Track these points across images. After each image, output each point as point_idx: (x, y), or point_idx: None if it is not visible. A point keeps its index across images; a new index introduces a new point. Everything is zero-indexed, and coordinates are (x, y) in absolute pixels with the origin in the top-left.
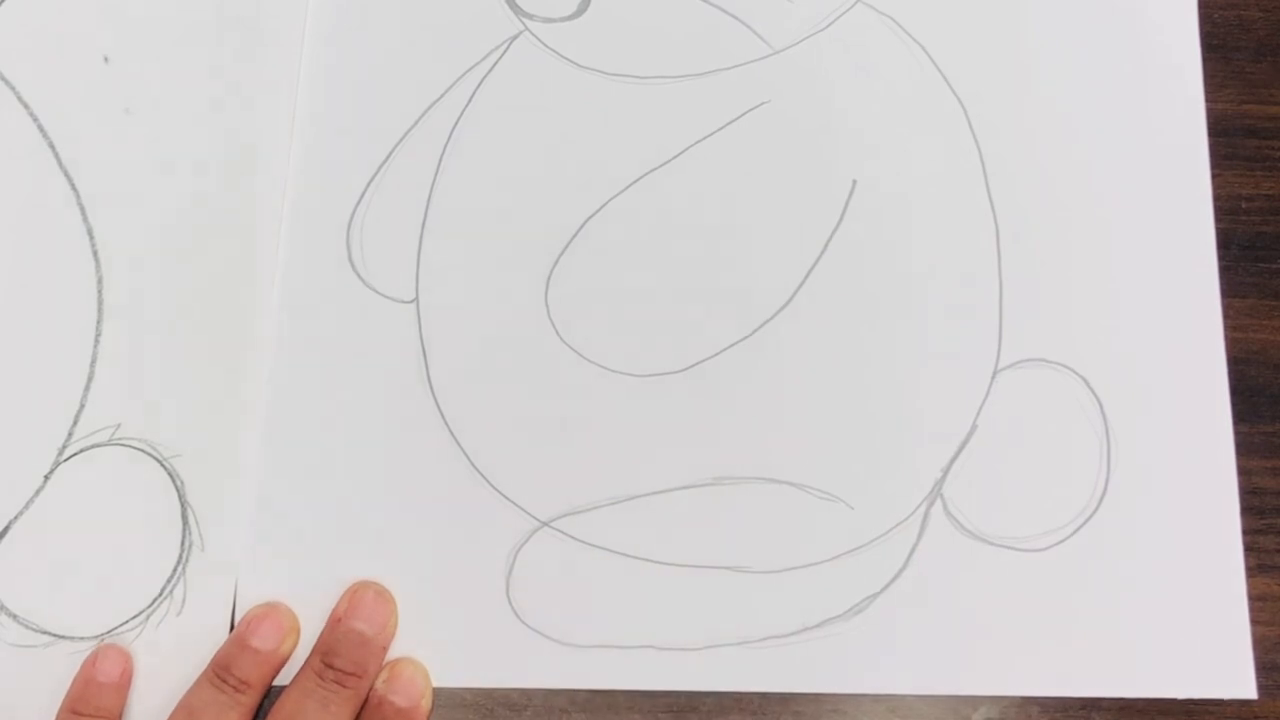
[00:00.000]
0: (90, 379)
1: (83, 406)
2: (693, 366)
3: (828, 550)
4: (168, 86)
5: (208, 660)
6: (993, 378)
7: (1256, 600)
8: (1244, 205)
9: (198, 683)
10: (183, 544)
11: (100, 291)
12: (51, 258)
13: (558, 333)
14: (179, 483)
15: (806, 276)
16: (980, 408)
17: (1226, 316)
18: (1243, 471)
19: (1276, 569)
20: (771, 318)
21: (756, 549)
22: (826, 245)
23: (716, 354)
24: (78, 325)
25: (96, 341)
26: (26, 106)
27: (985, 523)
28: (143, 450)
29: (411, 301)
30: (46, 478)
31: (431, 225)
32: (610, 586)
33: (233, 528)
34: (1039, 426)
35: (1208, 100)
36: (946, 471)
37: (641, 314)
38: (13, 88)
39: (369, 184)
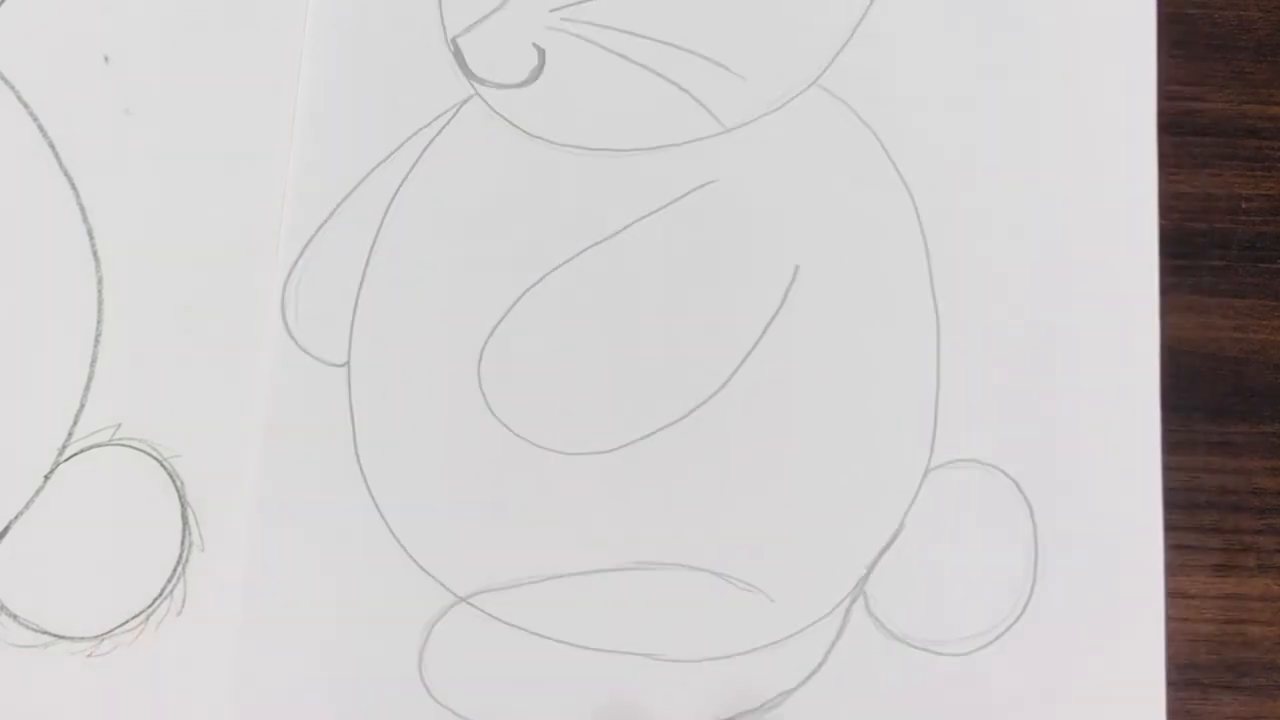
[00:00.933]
0: (90, 379)
1: (83, 406)
2: (622, 447)
3: (745, 643)
4: (168, 86)
5: (208, 660)
6: (924, 476)
7: (1257, 600)
8: (1244, 205)
9: None
10: (183, 544)
11: (100, 291)
12: (51, 258)
13: (489, 405)
14: (179, 483)
15: (742, 362)
16: (909, 506)
17: (1227, 317)
18: (1243, 471)
19: (1276, 569)
20: (704, 402)
21: (672, 636)
22: (764, 331)
23: (646, 435)
24: (78, 325)
25: (96, 341)
26: (26, 106)
27: (907, 624)
28: (143, 450)
29: (343, 365)
30: (46, 478)
31: (368, 288)
32: (524, 666)
33: (233, 528)
34: (967, 529)
35: (1207, 98)
36: (871, 569)
37: (574, 391)
38: (13, 87)
39: (308, 243)
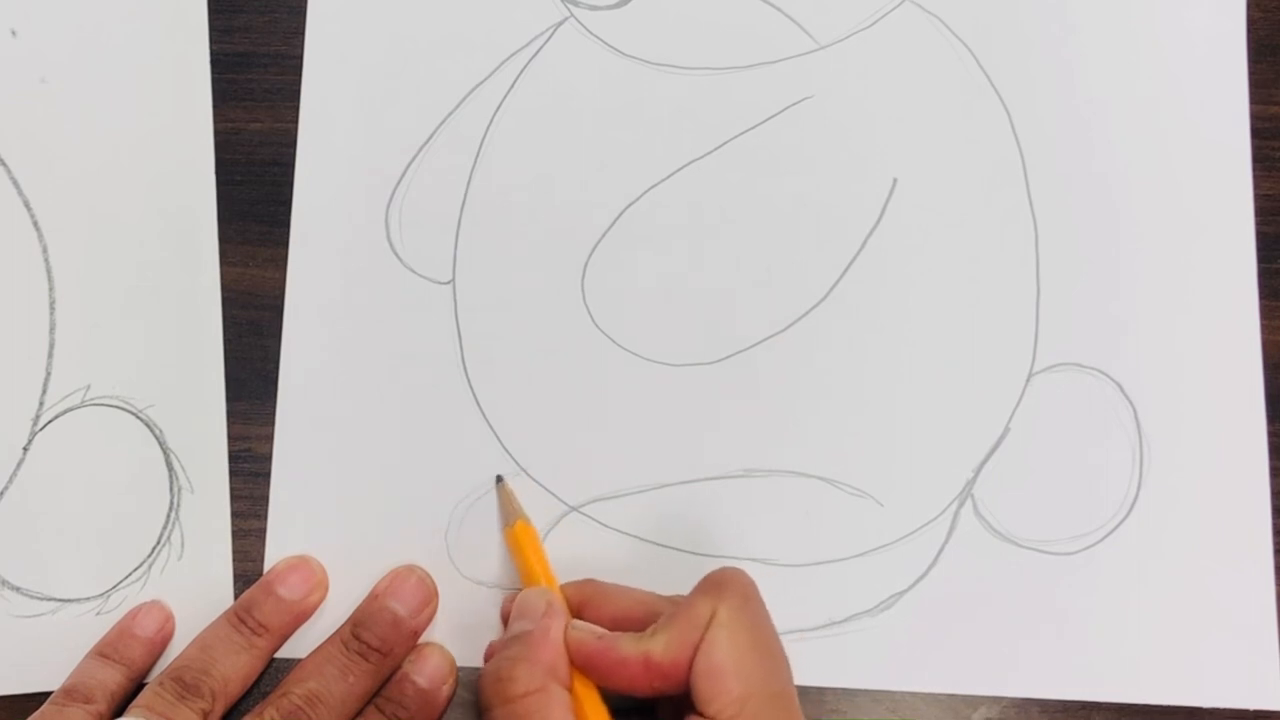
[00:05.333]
0: (52, 346)
1: (49, 374)
2: (726, 358)
3: (856, 546)
4: (80, 51)
5: (216, 599)
6: (1027, 380)
7: None
8: None
9: (217, 620)
10: (172, 490)
11: (47, 260)
12: None
13: (593, 319)
14: (158, 431)
15: (844, 273)
16: (1014, 410)
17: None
18: None
19: None
20: (807, 313)
21: (784, 542)
22: (865, 242)
23: (750, 346)
24: (31, 296)
25: (52, 309)
26: None
27: (1015, 525)
28: (117, 406)
29: (448, 283)
30: (25, 449)
31: (470, 208)
32: (637, 574)
33: (218, 465)
34: (1072, 431)
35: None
36: (978, 472)
37: (677, 304)
38: None
39: (409, 165)
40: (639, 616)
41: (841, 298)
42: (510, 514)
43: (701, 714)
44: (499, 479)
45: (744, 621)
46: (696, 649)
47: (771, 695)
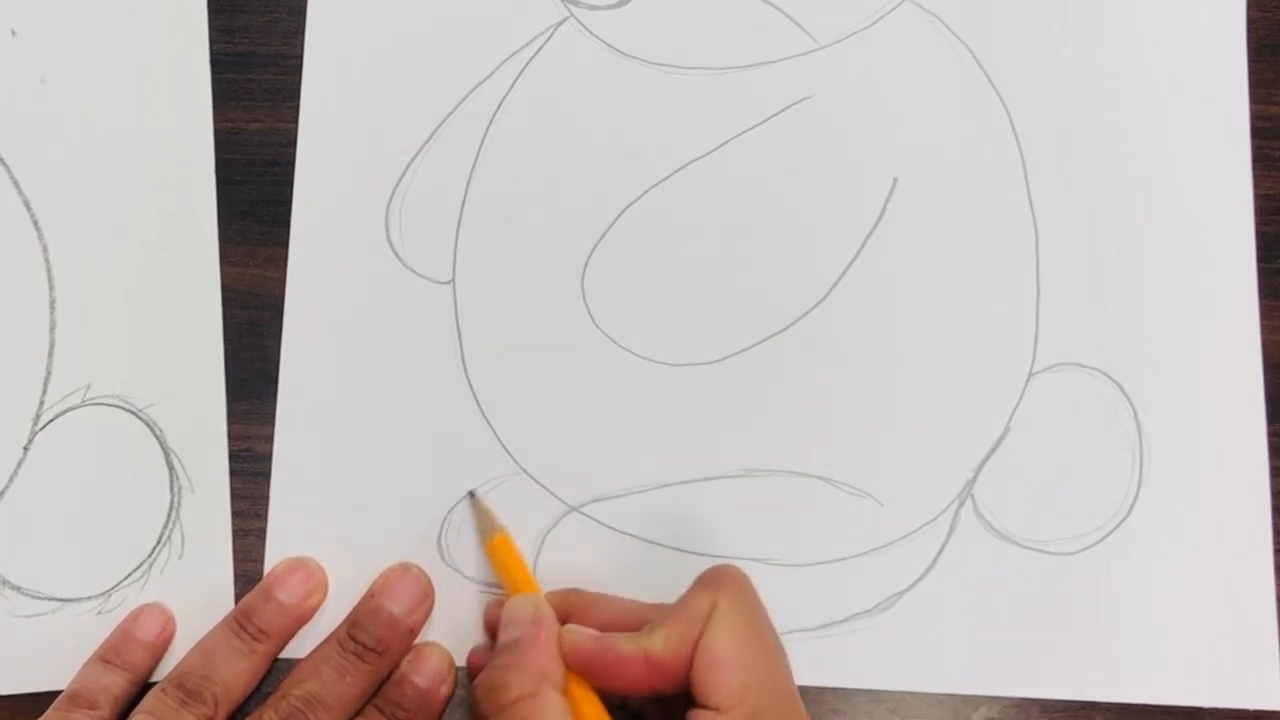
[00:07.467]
0: (52, 345)
1: (50, 374)
2: (727, 358)
3: (856, 546)
4: (80, 50)
5: (216, 599)
6: (1027, 380)
7: None
8: None
9: (217, 626)
10: (172, 489)
11: (47, 259)
12: None
13: (593, 319)
14: (158, 431)
15: (844, 272)
16: (1014, 410)
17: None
18: None
19: None
20: (807, 312)
21: (784, 542)
22: (865, 242)
23: (751, 346)
24: (31, 295)
25: (52, 309)
26: None
27: (1015, 524)
28: (117, 406)
29: (448, 283)
30: (25, 449)
31: (470, 208)
32: (636, 574)
33: (218, 465)
34: (1072, 431)
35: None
36: (978, 472)
37: (677, 304)
38: None
39: (409, 165)
40: (627, 624)
41: (841, 297)
42: (488, 527)
43: (704, 706)
44: (471, 494)
45: (743, 612)
46: (696, 644)
47: (774, 684)
